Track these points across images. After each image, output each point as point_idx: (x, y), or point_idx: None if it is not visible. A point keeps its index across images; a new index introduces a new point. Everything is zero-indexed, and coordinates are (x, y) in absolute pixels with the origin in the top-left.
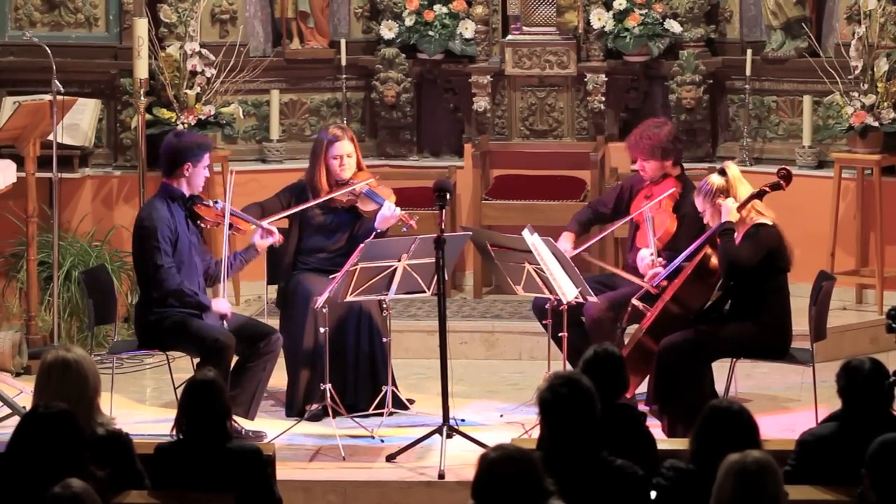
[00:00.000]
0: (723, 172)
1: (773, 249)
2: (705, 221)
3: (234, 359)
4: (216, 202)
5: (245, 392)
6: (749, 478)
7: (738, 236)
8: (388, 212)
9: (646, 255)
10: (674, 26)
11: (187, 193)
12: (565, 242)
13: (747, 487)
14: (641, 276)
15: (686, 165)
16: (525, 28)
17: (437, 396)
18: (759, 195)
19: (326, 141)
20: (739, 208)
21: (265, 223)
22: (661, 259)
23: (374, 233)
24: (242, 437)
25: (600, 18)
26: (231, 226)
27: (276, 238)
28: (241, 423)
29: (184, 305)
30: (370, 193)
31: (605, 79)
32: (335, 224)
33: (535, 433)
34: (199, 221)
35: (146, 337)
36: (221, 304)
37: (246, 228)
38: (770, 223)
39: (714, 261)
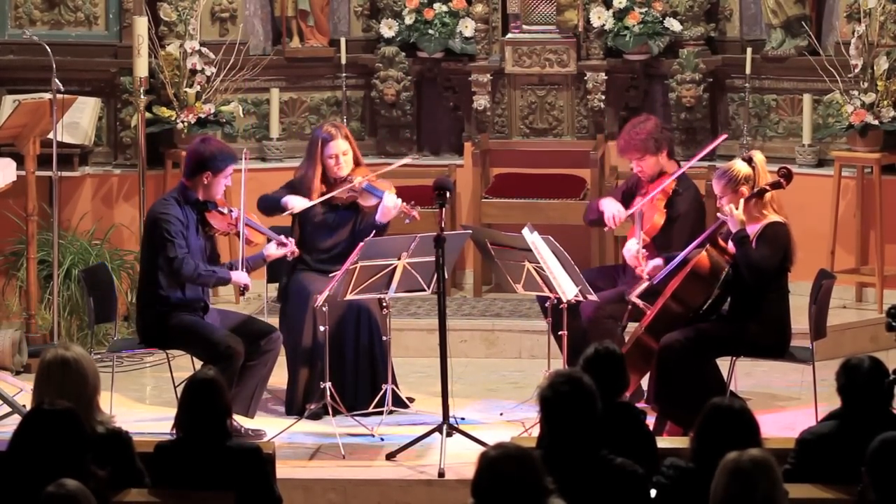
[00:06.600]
0: (749, 161)
1: (787, 249)
2: (718, 205)
3: None
4: (231, 210)
5: (245, 390)
6: (742, 476)
7: (749, 232)
8: (390, 203)
9: (632, 247)
10: (674, 25)
11: (202, 199)
12: (612, 204)
13: (740, 486)
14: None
15: (685, 163)
16: (525, 26)
17: (437, 395)
18: (760, 193)
19: (321, 140)
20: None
21: (280, 237)
22: (646, 252)
23: (377, 227)
24: (242, 435)
25: (600, 17)
26: (243, 235)
27: (290, 249)
28: (241, 421)
29: (205, 286)
30: (370, 188)
31: (605, 77)
32: (336, 222)
33: (535, 432)
34: (207, 228)
35: (148, 334)
36: (241, 275)
37: (258, 241)
38: (782, 220)
39: (714, 258)
